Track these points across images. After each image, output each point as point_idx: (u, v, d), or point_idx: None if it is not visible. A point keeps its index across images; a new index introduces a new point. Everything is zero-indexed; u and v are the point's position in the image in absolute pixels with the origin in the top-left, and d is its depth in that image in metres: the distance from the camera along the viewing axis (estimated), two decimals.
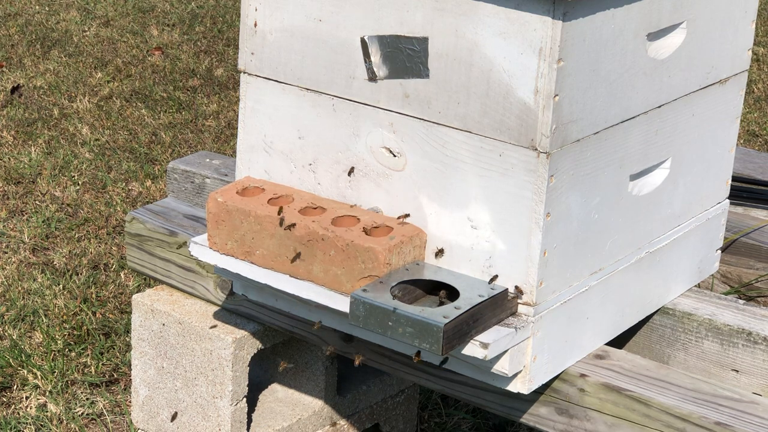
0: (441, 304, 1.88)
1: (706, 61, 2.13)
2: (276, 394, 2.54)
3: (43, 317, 3.18)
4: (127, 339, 3.10)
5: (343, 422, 2.55)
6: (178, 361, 2.41)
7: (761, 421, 1.95)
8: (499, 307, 1.90)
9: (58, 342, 3.07)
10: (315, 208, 2.04)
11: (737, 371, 2.20)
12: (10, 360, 2.97)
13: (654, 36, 1.99)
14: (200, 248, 2.12)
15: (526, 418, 2.09)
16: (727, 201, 2.33)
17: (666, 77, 2.04)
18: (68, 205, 3.89)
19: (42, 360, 3.00)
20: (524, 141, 1.86)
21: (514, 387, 1.96)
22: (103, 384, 2.96)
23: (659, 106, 2.05)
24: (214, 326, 2.36)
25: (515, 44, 1.83)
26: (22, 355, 3.00)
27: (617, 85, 1.94)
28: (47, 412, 2.83)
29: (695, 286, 2.34)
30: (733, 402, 2.00)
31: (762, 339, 2.18)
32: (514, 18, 1.81)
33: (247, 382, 2.37)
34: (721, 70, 2.18)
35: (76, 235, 3.67)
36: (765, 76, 4.92)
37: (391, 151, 2.00)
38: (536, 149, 1.85)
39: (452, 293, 1.91)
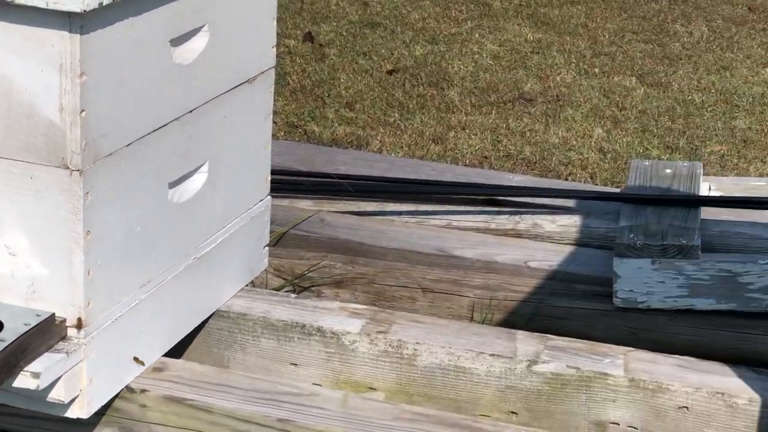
0: None
1: (233, 62, 2.14)
2: None
3: None
4: None
5: None
6: None
7: (321, 412, 1.99)
8: (47, 333, 1.84)
9: None
10: None
11: (296, 365, 2.24)
12: None
13: (177, 41, 1.98)
14: None
15: None
16: (270, 197, 2.36)
17: (194, 81, 2.03)
18: None
19: None
20: (54, 160, 1.80)
21: (72, 413, 1.90)
22: None
23: (190, 111, 2.04)
24: None
25: (34, 61, 1.76)
26: None
27: (145, 94, 1.91)
28: None
29: (249, 284, 2.35)
30: (292, 396, 2.02)
31: (316, 330, 2.22)
32: (28, 35, 1.75)
33: None
34: (248, 70, 2.20)
35: None
36: (298, 67, 5.04)
37: None
38: (68, 167, 1.79)
39: None
